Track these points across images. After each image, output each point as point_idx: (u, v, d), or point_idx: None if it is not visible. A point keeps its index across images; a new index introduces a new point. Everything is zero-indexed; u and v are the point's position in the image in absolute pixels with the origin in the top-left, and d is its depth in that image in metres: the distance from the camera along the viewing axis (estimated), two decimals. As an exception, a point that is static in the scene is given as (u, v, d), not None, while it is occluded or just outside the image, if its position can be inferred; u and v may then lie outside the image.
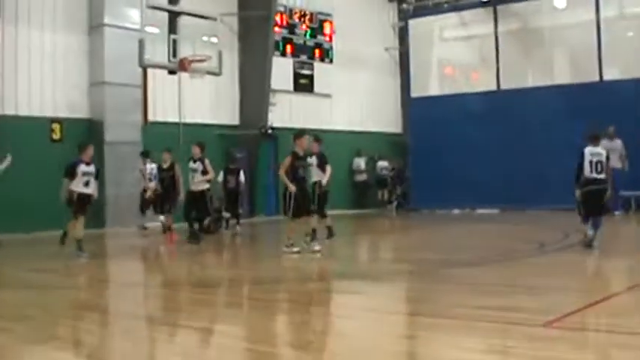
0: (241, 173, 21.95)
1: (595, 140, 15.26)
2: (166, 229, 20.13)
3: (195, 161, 18.76)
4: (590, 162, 14.90)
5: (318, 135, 18.34)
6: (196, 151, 18.89)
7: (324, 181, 17.13)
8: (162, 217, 21.05)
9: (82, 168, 15.91)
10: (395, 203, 31.95)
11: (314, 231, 16.33)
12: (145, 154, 22.12)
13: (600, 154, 15.03)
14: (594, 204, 14.93)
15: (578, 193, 15.03)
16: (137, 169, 22.33)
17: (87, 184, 15.96)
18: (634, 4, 28.74)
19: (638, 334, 7.40)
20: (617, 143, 23.81)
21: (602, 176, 14.89)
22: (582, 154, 15.02)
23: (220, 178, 21.59)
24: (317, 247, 15.66)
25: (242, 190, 22.30)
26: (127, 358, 7.37)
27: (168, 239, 19.56)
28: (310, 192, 16.65)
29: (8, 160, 18.86)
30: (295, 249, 15.55)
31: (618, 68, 28.60)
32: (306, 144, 16.25)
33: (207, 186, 18.87)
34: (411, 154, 33.51)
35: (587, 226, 15.04)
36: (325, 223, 17.81)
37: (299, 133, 16.37)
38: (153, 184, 21.31)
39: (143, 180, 21.96)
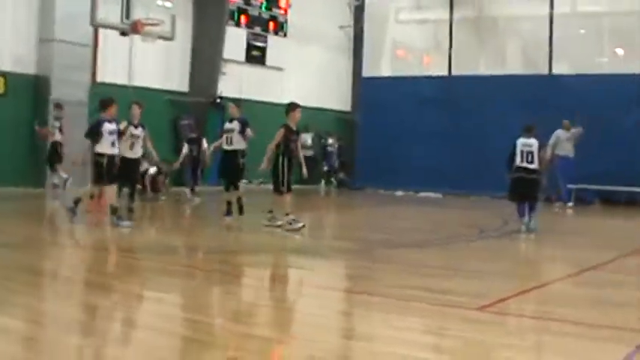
0: (204, 141, 21.63)
1: (528, 132, 16.09)
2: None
3: (136, 127, 15.54)
4: (522, 152, 15.87)
5: (237, 100, 17.67)
6: (136, 112, 15.64)
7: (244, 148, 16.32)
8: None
9: (107, 126, 14.68)
10: (323, 182, 31.98)
11: (229, 203, 16.38)
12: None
13: (531, 145, 15.92)
14: (524, 190, 15.89)
15: (509, 179, 16.10)
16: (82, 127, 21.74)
17: (113, 144, 14.76)
18: (587, 3, 29.34)
19: (569, 322, 7.55)
20: (572, 134, 24.55)
21: (532, 166, 15.82)
22: (515, 145, 16.00)
23: (185, 149, 21.35)
24: (301, 224, 14.97)
25: (203, 158, 21.57)
26: (62, 321, 7.36)
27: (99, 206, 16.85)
28: (234, 161, 16.22)
29: None
30: (300, 224, 14.98)
31: (567, 63, 29.06)
32: (299, 116, 15.60)
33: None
34: (358, 132, 33.62)
35: (523, 219, 15.91)
36: (238, 195, 16.54)
37: (292, 104, 15.76)
38: None
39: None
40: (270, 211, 15.52)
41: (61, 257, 11.90)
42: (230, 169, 16.44)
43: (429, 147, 29.72)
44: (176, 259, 11.64)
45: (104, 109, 14.95)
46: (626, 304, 8.78)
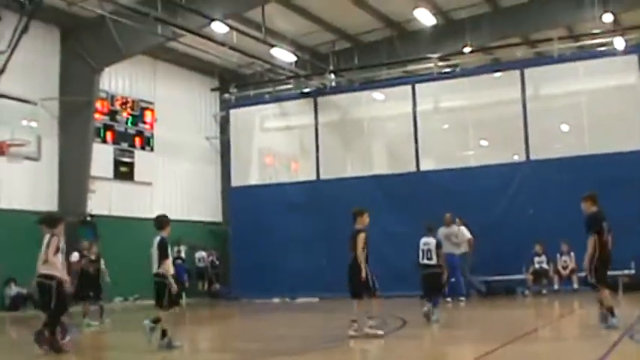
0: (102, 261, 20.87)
1: (429, 231, 17.80)
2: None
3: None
4: (422, 250, 17.48)
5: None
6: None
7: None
8: None
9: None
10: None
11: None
12: None
13: (429, 243, 17.52)
14: (425, 285, 17.45)
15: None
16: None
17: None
18: (447, 99, 30.03)
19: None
20: (453, 229, 25.17)
21: (431, 262, 17.33)
22: (418, 244, 17.51)
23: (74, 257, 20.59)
24: (380, 332, 14.76)
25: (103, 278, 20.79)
26: None
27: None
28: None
29: None
30: (380, 331, 14.80)
31: (434, 159, 29.68)
32: (368, 220, 15.80)
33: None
34: (231, 243, 33.40)
35: (427, 303, 17.18)
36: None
37: (362, 209, 15.96)
38: None
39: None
40: (354, 321, 15.16)
41: None
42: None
43: (302, 252, 29.71)
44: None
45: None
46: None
